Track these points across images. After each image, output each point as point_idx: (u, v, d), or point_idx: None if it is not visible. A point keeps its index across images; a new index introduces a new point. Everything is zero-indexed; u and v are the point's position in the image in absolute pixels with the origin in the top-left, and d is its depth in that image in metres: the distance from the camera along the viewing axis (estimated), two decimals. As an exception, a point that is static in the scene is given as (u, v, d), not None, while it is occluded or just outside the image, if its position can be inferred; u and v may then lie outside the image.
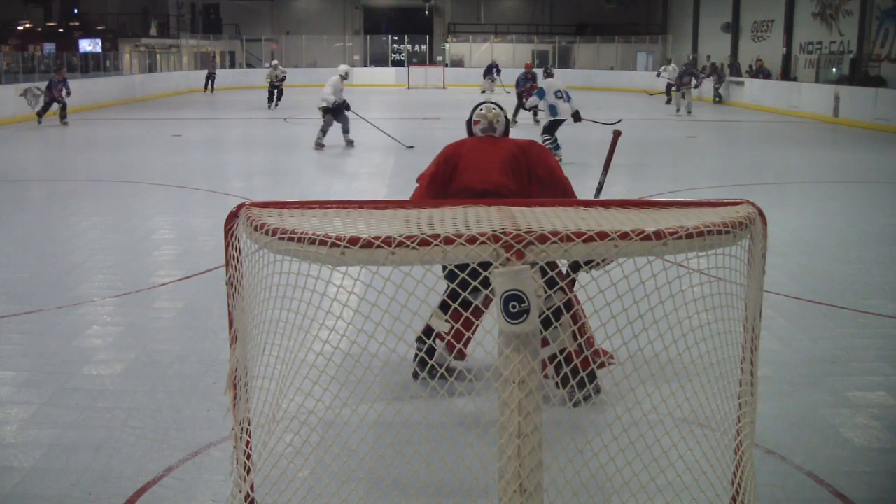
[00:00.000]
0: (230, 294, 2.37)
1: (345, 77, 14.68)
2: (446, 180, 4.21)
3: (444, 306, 4.06)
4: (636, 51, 39.28)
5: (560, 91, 12.55)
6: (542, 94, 12.58)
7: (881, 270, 6.87)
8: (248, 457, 2.32)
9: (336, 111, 14.38)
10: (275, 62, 24.54)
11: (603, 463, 2.24)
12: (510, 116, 18.07)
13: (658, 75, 27.09)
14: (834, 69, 24.85)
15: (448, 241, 1.86)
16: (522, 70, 19.69)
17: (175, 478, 3.44)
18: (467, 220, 2.08)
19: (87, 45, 35.02)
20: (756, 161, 13.88)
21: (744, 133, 18.63)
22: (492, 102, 4.59)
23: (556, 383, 3.42)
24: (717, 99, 27.47)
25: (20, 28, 37.39)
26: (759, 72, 27.13)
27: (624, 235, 1.88)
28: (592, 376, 3.83)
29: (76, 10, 39.16)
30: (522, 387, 1.91)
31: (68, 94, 19.08)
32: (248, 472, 2.32)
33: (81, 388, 4.36)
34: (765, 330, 2.57)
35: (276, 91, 23.82)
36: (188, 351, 4.89)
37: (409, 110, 23.99)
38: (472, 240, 1.86)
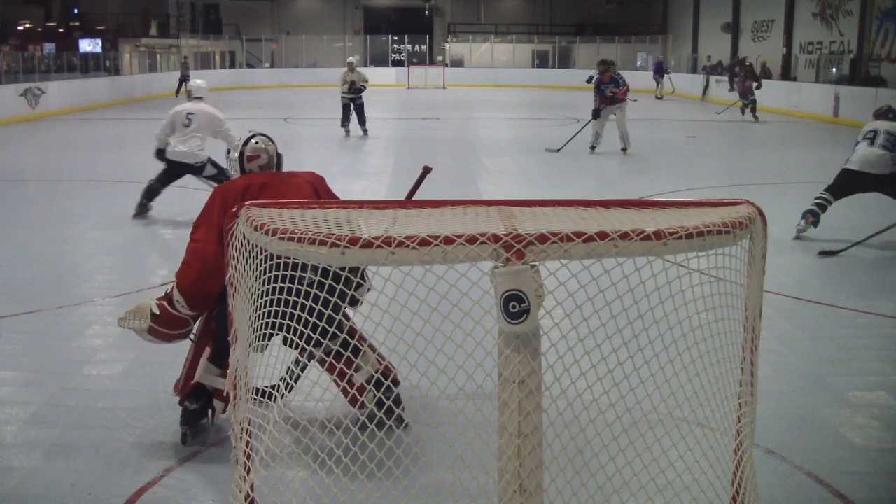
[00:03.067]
0: (230, 294, 2.37)
1: None
2: None
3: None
4: (636, 51, 39.30)
5: (873, 130, 7.98)
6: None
7: (881, 270, 6.86)
8: (248, 457, 2.31)
9: None
10: (350, 60, 16.16)
11: (603, 463, 2.24)
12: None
13: (589, 80, 22.21)
14: (834, 69, 24.86)
15: (448, 241, 1.86)
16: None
17: (175, 478, 3.44)
18: (467, 221, 2.08)
19: (87, 45, 34.99)
20: (756, 161, 13.87)
21: (744, 133, 18.61)
22: (260, 133, 4.12)
23: (372, 410, 3.09)
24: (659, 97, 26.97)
25: (20, 28, 37.42)
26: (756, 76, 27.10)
27: (624, 235, 1.88)
28: (399, 400, 3.70)
29: (76, 10, 39.19)
30: (522, 387, 1.91)
31: None
32: (248, 472, 2.32)
33: (81, 388, 4.36)
34: (765, 330, 2.56)
35: (351, 105, 15.62)
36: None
37: (409, 110, 23.98)
38: (472, 240, 1.86)
